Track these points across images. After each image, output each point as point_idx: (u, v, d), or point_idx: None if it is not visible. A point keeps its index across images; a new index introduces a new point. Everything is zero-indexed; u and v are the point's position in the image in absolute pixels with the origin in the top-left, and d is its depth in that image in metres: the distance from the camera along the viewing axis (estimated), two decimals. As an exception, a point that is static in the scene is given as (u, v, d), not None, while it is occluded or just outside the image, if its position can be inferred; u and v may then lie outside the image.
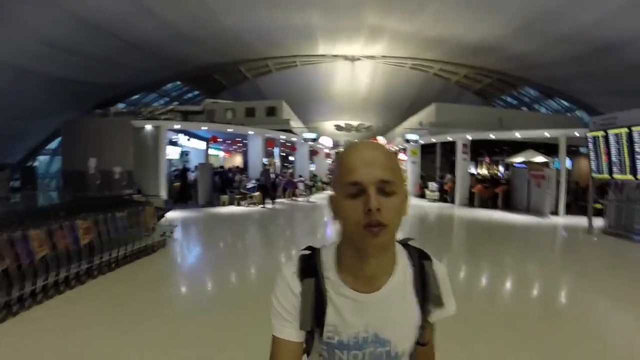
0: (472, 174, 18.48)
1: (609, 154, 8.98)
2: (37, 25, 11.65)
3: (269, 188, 15.24)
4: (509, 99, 26.42)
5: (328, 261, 0.94)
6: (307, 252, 0.98)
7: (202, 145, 19.76)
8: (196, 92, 25.53)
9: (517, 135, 14.11)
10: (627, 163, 8.53)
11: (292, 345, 0.92)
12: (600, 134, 9.13)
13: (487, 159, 21.66)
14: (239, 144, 22.24)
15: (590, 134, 9.56)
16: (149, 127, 13.37)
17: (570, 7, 12.07)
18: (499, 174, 20.07)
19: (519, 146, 17.16)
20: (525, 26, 14.17)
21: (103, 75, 16.58)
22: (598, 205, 10.74)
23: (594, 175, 9.66)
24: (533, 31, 14.46)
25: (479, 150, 20.35)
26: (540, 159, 15.51)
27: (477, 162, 22.93)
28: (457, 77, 23.83)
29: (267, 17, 15.32)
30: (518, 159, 16.55)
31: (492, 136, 14.68)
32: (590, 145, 9.59)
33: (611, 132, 8.85)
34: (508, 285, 5.75)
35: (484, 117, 18.06)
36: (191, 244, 8.68)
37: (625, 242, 8.75)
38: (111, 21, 13.18)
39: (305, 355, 0.98)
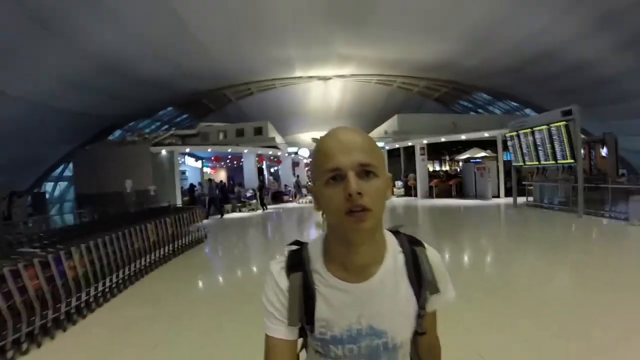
0: (432, 170, 22.17)
1: (521, 147, 12.64)
2: (52, 64, 13.30)
3: (215, 200, 16.94)
4: (465, 104, 30.35)
5: (315, 254, 0.94)
6: (295, 247, 0.98)
7: (197, 164, 22.77)
8: (185, 116, 28.47)
9: (463, 137, 17.81)
10: (533, 153, 12.17)
11: (285, 344, 0.92)
12: (514, 134, 12.80)
13: (447, 158, 25.43)
14: (222, 162, 25.58)
15: (508, 134, 13.27)
16: (164, 152, 16.36)
17: (503, 27, 14.90)
18: (458, 169, 23.84)
19: (471, 144, 20.89)
20: (470, 45, 17.22)
21: (109, 107, 19.18)
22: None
23: (514, 164, 13.33)
24: (477, 49, 17.52)
25: (441, 150, 24.16)
26: (482, 154, 19.24)
27: (440, 161, 26.81)
28: (418, 88, 27.54)
29: (251, 50, 18.33)
30: (464, 156, 20.23)
31: (442, 139, 18.34)
32: (509, 142, 13.26)
33: (521, 132, 12.52)
34: (455, 242, 9.16)
35: (440, 123, 21.73)
36: (220, 237, 11.76)
37: (540, 210, 12.43)
38: (120, 61, 15.48)
39: (303, 349, 1.01)
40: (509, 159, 17.00)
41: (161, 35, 14.60)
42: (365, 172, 0.81)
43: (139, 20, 13.09)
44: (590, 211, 10.82)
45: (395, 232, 1.01)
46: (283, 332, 0.92)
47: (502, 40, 16.10)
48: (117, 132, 24.00)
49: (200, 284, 6.69)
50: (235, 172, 26.49)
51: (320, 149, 0.85)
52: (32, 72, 13.04)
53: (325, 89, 26.70)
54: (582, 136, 13.60)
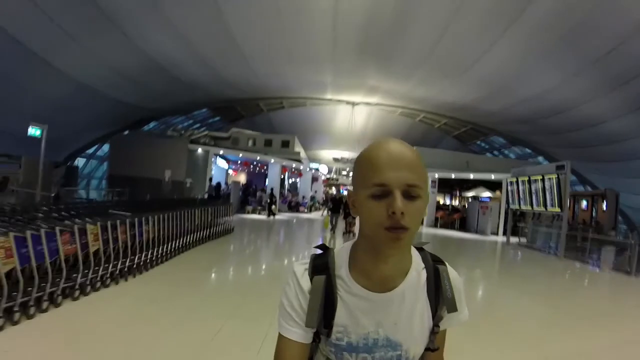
0: (442, 203, 23.84)
1: (518, 192, 14.32)
2: (109, 54, 14.56)
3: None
4: (482, 144, 32.03)
5: (341, 260, 0.96)
6: (320, 251, 1.01)
7: (225, 165, 24.85)
8: (217, 118, 30.73)
9: (472, 176, 19.51)
10: (528, 199, 13.84)
11: (298, 347, 0.93)
12: (514, 179, 14.51)
13: (458, 193, 27.09)
14: (246, 166, 27.69)
15: (508, 180, 14.95)
16: (200, 150, 18.44)
17: (518, 82, 16.40)
18: (466, 204, 25.44)
19: (482, 183, 22.55)
20: (488, 93, 18.82)
21: (150, 101, 20.98)
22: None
23: (510, 206, 15.00)
24: (494, 97, 19.06)
25: (453, 185, 25.86)
26: (487, 194, 20.86)
27: (452, 195, 28.46)
28: (439, 124, 29.37)
29: (289, 70, 20.30)
30: (470, 194, 21.87)
31: (452, 175, 20.08)
32: (509, 187, 14.96)
33: (520, 178, 14.22)
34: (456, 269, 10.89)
35: (454, 160, 23.44)
36: (246, 230, 13.62)
37: (529, 250, 14.05)
38: (169, 62, 16.76)
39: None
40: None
41: (210, 44, 16.08)
42: (410, 192, 0.81)
43: (193, 29, 14.56)
44: (571, 255, 12.41)
45: (420, 249, 1.04)
46: (298, 334, 0.93)
47: (519, 91, 17.45)
48: (152, 124, 26.23)
49: (233, 259, 8.59)
50: (254, 177, 28.68)
51: (368, 158, 0.86)
52: (90, 58, 14.28)
53: (352, 113, 28.69)
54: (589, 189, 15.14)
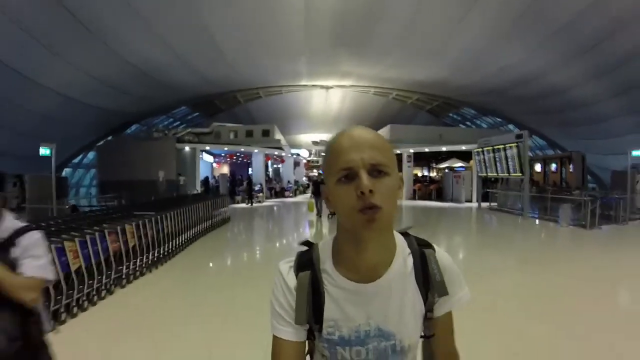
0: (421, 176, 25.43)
1: (485, 161, 15.88)
2: (89, 62, 14.89)
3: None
4: (455, 116, 33.60)
5: (325, 254, 0.97)
6: (305, 248, 1.01)
7: (210, 159, 25.90)
8: (196, 114, 31.50)
9: (444, 148, 21.05)
10: (493, 167, 15.41)
11: (292, 345, 0.94)
12: (480, 149, 16.04)
13: (434, 165, 28.76)
14: (231, 158, 28.86)
15: (475, 150, 16.49)
16: (187, 148, 19.45)
17: (486, 57, 17.37)
18: (442, 175, 27.14)
19: (455, 155, 24.15)
20: (458, 69, 19.92)
21: (133, 105, 21.78)
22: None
23: (479, 174, 16.59)
24: (464, 72, 20.21)
25: (429, 158, 27.47)
26: (459, 164, 22.49)
27: (429, 167, 30.11)
28: (412, 100, 30.69)
29: (266, 61, 21.00)
30: (444, 165, 23.49)
31: (426, 149, 21.59)
32: (476, 157, 16.50)
33: (485, 148, 15.76)
34: (433, 231, 12.40)
35: (428, 134, 24.87)
36: (240, 218, 14.87)
37: (498, 212, 15.71)
38: (151, 67, 17.54)
39: (307, 356, 1.01)
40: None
41: (189, 44, 16.55)
42: (377, 170, 0.82)
43: (171, 31, 14.98)
44: (535, 215, 14.08)
45: (405, 234, 1.03)
46: (290, 333, 0.94)
47: (486, 66, 18.79)
48: (134, 126, 26.96)
49: (234, 241, 9.93)
50: (237, 168, 29.90)
51: (332, 148, 0.88)
52: (69, 68, 14.66)
53: (327, 96, 29.77)
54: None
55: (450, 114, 33.56)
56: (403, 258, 0.96)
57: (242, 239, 11.26)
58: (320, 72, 23.16)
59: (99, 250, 5.56)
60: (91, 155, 24.28)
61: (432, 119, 32.89)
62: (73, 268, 5.02)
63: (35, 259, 1.62)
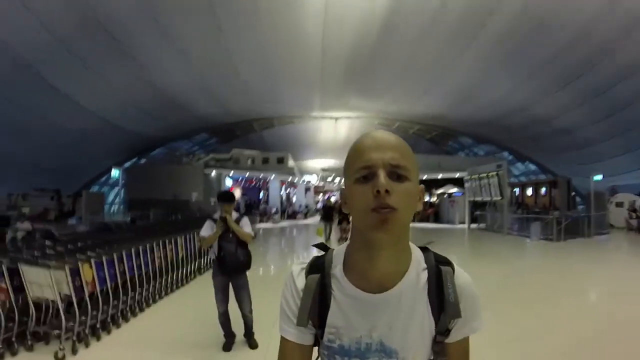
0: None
1: (472, 187, 18.75)
2: (122, 85, 15.99)
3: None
4: (453, 144, 36.55)
5: (337, 259, 0.96)
6: (321, 252, 1.03)
7: (229, 182, 28.96)
8: (214, 139, 34.66)
9: (440, 176, 23.96)
10: (479, 192, 18.28)
11: (298, 348, 0.95)
12: (469, 177, 18.96)
13: (434, 191, 31.59)
14: (251, 183, 32.06)
15: (466, 177, 19.41)
16: (213, 173, 22.47)
17: (479, 90, 19.45)
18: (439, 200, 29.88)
19: (451, 181, 26.94)
20: (453, 102, 22.37)
21: (159, 129, 24.30)
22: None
23: (468, 199, 19.46)
24: (459, 105, 22.61)
25: (429, 184, 30.34)
26: (454, 190, 25.35)
27: (430, 194, 32.96)
28: (413, 130, 33.67)
29: (283, 94, 23.20)
30: (440, 191, 26.35)
31: (425, 177, 24.51)
32: (466, 184, 19.40)
33: (472, 176, 18.67)
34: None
35: (428, 162, 27.33)
36: (266, 235, 17.69)
37: (484, 231, 18.52)
38: (180, 97, 19.55)
39: None
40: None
41: (217, 78, 18.29)
42: (397, 174, 0.81)
43: (203, 63, 16.34)
44: (514, 232, 16.86)
45: (424, 249, 1.00)
46: (295, 334, 0.95)
47: (479, 99, 20.84)
48: (156, 150, 29.95)
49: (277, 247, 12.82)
50: (248, 191, 32.99)
51: (354, 147, 0.89)
52: (103, 89, 15.74)
53: (335, 126, 32.89)
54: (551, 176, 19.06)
55: (450, 142, 36.42)
56: (417, 272, 0.93)
57: (278, 245, 14.07)
58: (331, 104, 26.14)
59: (173, 250, 8.40)
60: (115, 173, 26.99)
61: (432, 147, 35.68)
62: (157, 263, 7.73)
63: (247, 227, 4.57)
